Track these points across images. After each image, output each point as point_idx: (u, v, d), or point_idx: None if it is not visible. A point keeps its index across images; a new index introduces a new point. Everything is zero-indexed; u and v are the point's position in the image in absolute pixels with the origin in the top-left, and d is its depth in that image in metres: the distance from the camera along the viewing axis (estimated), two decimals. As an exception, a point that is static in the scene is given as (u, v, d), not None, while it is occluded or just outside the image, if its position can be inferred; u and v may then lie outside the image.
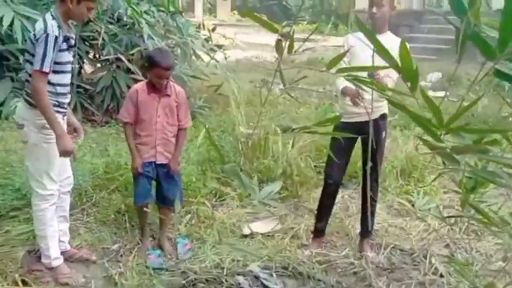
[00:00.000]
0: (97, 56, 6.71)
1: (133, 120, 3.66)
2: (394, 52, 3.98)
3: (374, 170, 3.78)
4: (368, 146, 3.60)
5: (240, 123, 5.27)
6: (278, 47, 1.72)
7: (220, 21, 21.25)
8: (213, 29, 7.30)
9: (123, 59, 6.03)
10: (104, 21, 6.10)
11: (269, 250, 3.91)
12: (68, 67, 3.31)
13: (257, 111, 6.37)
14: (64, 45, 3.19)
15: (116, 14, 6.22)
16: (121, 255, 3.77)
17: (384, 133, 3.76)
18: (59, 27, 3.12)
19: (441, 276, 3.63)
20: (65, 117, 3.39)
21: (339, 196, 4.75)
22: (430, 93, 8.89)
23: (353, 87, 3.35)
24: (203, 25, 7.46)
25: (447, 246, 4.04)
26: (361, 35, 3.78)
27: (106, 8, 6.18)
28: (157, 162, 3.73)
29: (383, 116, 3.75)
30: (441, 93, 9.82)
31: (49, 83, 3.18)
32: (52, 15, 3.16)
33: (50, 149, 3.22)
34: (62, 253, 3.52)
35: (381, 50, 1.48)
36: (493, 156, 1.38)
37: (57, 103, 3.24)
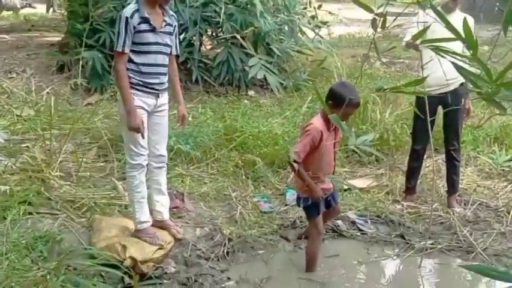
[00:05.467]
0: (214, 33, 7.52)
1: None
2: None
3: (455, 133, 4.25)
4: (448, 112, 4.07)
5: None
6: (373, 24, 2.28)
7: (323, -2, 21.45)
8: (319, 7, 7.83)
9: (238, 37, 6.78)
10: (222, 2, 6.85)
11: (365, 202, 4.50)
12: (153, 48, 3.40)
13: (357, 83, 6.84)
14: (144, 26, 3.33)
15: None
16: (239, 200, 4.53)
17: (462, 100, 4.18)
18: (137, 10, 3.30)
19: (522, 228, 4.03)
20: (160, 98, 3.55)
21: (431, 160, 5.21)
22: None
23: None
24: (309, 2, 7.99)
25: (533, 204, 4.39)
26: (431, 12, 4.23)
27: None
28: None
29: (462, 85, 4.16)
30: None
31: (133, 62, 3.39)
32: (135, 0, 3.40)
33: None
34: (159, 222, 3.79)
35: (450, 28, 1.94)
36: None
37: (141, 83, 3.42)
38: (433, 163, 4.42)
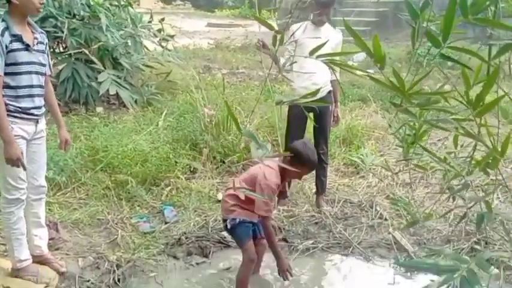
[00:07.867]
0: (55, 49, 7.03)
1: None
2: (333, 41, 4.91)
3: (324, 138, 4.61)
4: (318, 119, 4.41)
5: (203, 105, 5.88)
6: (274, 40, 2.38)
7: (146, 10, 21.27)
8: (162, 19, 7.80)
9: (86, 52, 6.44)
10: (63, 16, 6.45)
11: (243, 210, 4.61)
12: (27, 67, 3.13)
13: (209, 95, 6.96)
14: (16, 45, 3.04)
15: (73, 10, 6.58)
16: (116, 224, 4.33)
17: (330, 106, 4.58)
18: (6, 28, 3.01)
19: (385, 219, 4.51)
20: (39, 124, 3.30)
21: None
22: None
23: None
24: (152, 16, 7.91)
25: (387, 197, 4.93)
26: (303, 25, 4.53)
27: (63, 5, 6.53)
28: None
29: (329, 93, 4.57)
30: (369, 71, 10.82)
31: (9, 86, 3.08)
32: (2, 18, 3.07)
33: None
34: (37, 257, 3.55)
35: (360, 43, 2.13)
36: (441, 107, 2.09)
37: (19, 109, 3.13)
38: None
